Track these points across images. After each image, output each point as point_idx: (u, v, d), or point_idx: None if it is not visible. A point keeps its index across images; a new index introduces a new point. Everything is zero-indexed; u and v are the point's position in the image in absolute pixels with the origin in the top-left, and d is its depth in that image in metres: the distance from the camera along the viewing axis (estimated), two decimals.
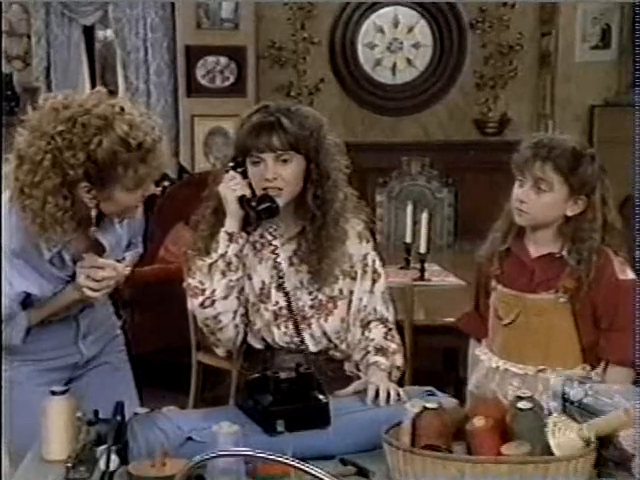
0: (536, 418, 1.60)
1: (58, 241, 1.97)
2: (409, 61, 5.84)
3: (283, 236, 2.09)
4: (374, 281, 2.12)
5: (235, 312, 2.05)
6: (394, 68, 5.84)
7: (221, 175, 2.06)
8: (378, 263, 2.14)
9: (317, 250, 2.04)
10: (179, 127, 5.54)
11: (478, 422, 1.58)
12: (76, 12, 5.49)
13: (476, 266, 2.30)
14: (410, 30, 5.81)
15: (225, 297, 2.02)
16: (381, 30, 5.80)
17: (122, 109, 1.92)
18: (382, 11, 5.77)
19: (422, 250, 3.74)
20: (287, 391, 1.79)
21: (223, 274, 2.01)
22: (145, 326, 4.01)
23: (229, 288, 2.02)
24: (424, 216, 3.80)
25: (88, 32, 5.70)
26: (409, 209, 3.94)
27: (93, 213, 1.98)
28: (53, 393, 1.73)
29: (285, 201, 2.01)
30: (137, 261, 2.30)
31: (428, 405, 1.62)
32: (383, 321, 2.11)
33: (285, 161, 2.00)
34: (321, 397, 1.82)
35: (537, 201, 2.11)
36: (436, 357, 3.87)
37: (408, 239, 3.88)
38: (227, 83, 5.52)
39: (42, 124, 1.90)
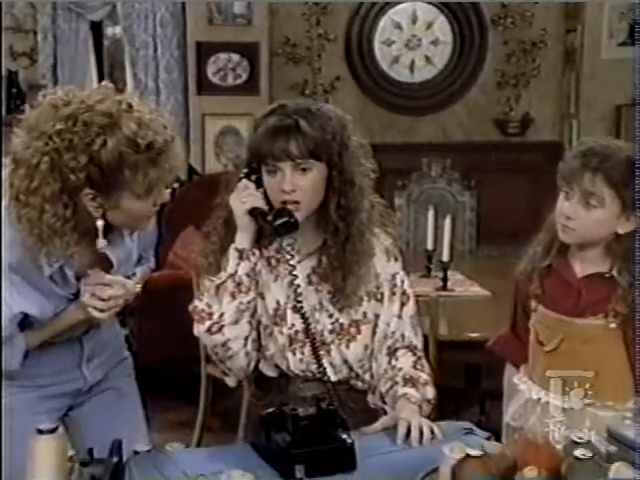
0: (596, 468, 1.41)
1: (59, 255, 1.78)
2: (428, 59, 5.69)
3: (301, 251, 1.89)
4: (403, 304, 1.93)
5: (246, 338, 1.87)
6: (412, 66, 5.69)
7: (233, 181, 1.87)
8: (407, 284, 1.95)
9: (341, 266, 1.85)
10: (189, 126, 5.43)
11: (529, 473, 1.40)
12: (83, 7, 5.38)
13: (514, 283, 2.10)
14: (429, 26, 5.65)
15: (235, 322, 1.84)
16: (399, 26, 5.64)
17: (129, 106, 1.73)
18: (400, 7, 5.61)
19: (445, 258, 3.58)
20: (307, 430, 1.60)
21: (232, 296, 1.83)
22: (152, 334, 3.89)
23: (239, 312, 1.85)
24: (447, 222, 3.62)
25: (96, 28, 5.59)
26: (430, 214, 3.76)
27: (99, 224, 1.78)
28: (40, 432, 1.53)
29: (304, 215, 1.83)
30: (148, 277, 2.11)
31: (471, 452, 1.42)
32: (412, 348, 1.93)
33: (304, 170, 1.81)
34: (345, 437, 1.62)
35: (586, 218, 1.90)
36: (458, 373, 3.69)
37: (429, 246, 3.71)
38: (239, 81, 5.41)
39: (39, 123, 1.71)
